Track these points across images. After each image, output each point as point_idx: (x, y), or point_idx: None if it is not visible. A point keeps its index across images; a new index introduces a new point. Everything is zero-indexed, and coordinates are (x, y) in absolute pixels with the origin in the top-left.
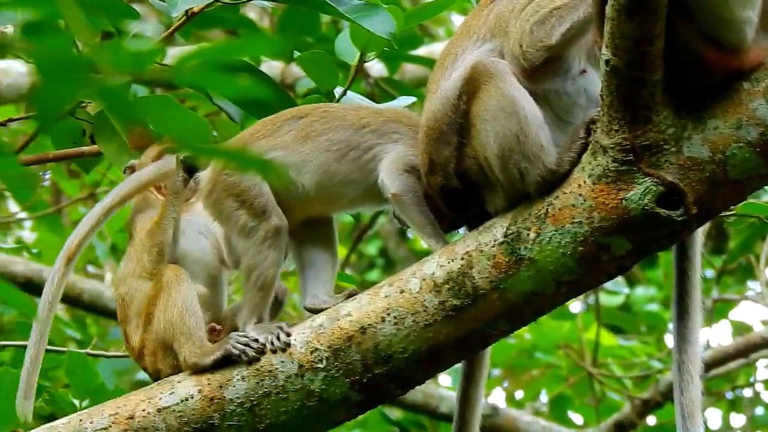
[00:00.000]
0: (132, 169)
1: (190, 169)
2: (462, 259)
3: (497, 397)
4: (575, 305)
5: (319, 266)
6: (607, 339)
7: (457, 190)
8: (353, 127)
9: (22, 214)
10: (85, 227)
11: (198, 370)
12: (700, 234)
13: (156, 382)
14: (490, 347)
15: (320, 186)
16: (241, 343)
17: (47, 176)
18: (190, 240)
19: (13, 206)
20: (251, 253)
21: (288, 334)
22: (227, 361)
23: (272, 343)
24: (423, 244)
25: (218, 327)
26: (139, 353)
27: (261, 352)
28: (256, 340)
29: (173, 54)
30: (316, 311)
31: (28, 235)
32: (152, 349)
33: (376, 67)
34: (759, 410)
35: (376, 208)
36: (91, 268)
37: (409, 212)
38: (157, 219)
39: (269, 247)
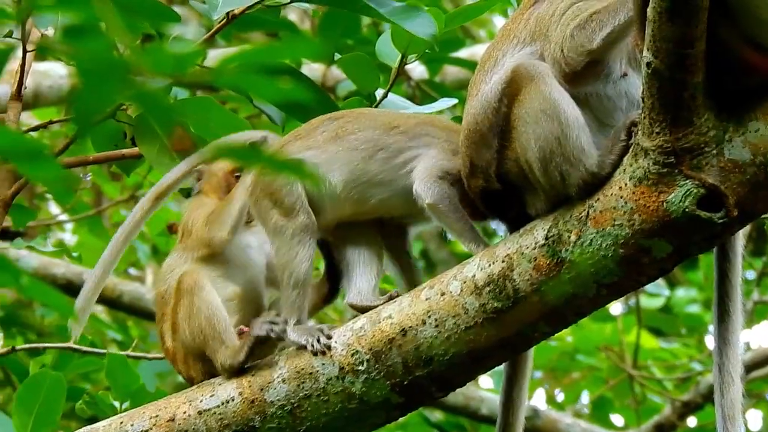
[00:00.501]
0: (200, 173)
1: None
2: (503, 261)
3: (538, 399)
4: (616, 307)
5: (365, 264)
6: (649, 341)
7: (498, 193)
8: (383, 127)
9: (63, 217)
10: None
11: (235, 371)
12: (740, 236)
13: (196, 385)
14: (532, 350)
15: (347, 184)
16: (266, 324)
17: (88, 178)
18: (238, 248)
19: (54, 209)
20: (283, 250)
21: (329, 337)
22: (260, 344)
23: (313, 346)
24: (464, 248)
25: (245, 329)
26: (173, 358)
27: (284, 331)
28: (275, 323)
29: (214, 56)
30: (359, 308)
31: (69, 237)
32: (182, 357)
33: (417, 70)
34: None
35: (409, 214)
36: (132, 271)
37: (447, 220)
38: (226, 200)
39: (298, 244)
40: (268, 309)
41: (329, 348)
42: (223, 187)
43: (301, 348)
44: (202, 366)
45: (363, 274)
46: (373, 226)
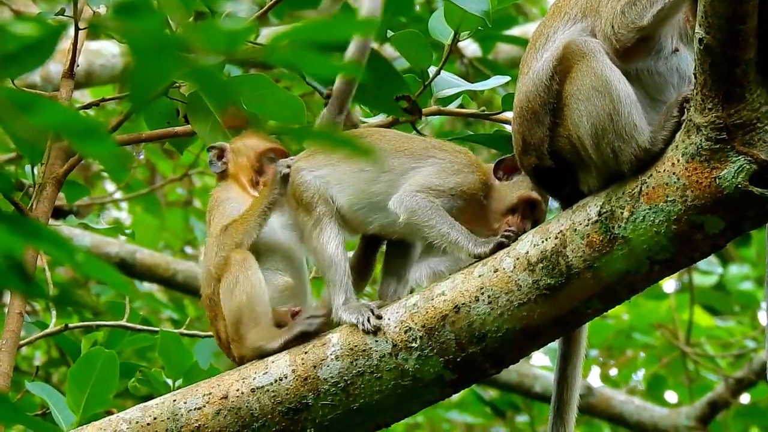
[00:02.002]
0: (220, 151)
1: (286, 182)
2: (555, 238)
3: (593, 378)
4: (669, 285)
5: (392, 268)
6: (704, 319)
7: (551, 170)
8: (392, 149)
9: (118, 195)
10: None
11: (264, 355)
12: None
13: (249, 362)
14: (587, 327)
15: (351, 206)
16: (309, 318)
17: (141, 156)
18: (278, 233)
19: (111, 188)
20: (312, 241)
21: (378, 317)
22: (297, 341)
23: (363, 325)
24: (461, 255)
25: (296, 309)
26: (227, 345)
27: (326, 324)
28: (316, 316)
29: (267, 34)
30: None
31: (125, 217)
32: (231, 336)
33: (470, 47)
34: None
35: (412, 236)
36: (188, 249)
37: (428, 231)
38: (241, 218)
39: (321, 229)
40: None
41: (379, 329)
42: (253, 169)
43: (353, 326)
44: (242, 343)
45: (388, 278)
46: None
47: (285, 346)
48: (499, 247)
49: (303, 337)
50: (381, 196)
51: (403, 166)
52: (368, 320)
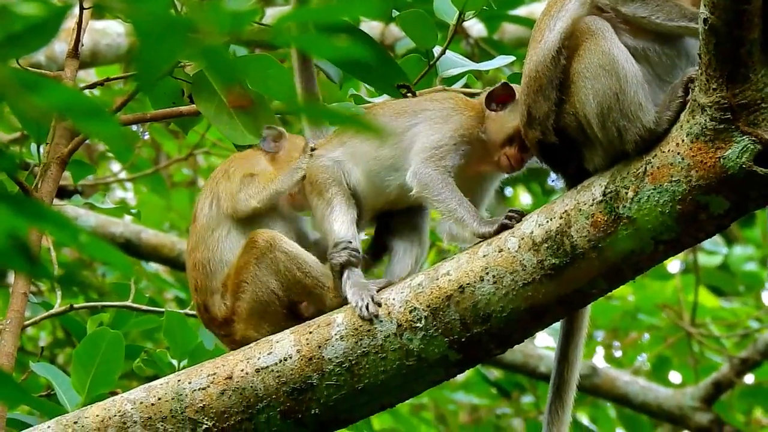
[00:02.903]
0: (279, 135)
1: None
2: (560, 218)
3: (599, 359)
4: (674, 265)
5: (405, 250)
6: (709, 300)
7: (555, 147)
8: (392, 113)
9: (122, 175)
10: None
11: (344, 302)
12: None
13: (254, 342)
14: (589, 307)
15: (367, 175)
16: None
17: (146, 136)
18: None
19: (116, 169)
20: (323, 221)
21: (378, 304)
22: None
23: (361, 310)
24: (464, 234)
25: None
26: (225, 321)
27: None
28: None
29: (272, 14)
30: None
31: (131, 197)
32: (245, 317)
33: (476, 27)
34: None
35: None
36: None
37: (436, 206)
38: (269, 174)
39: (333, 208)
40: None
41: (376, 317)
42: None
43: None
44: (266, 327)
45: (401, 260)
46: (418, 210)
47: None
48: (503, 228)
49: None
50: (392, 159)
51: (404, 125)
52: (366, 307)
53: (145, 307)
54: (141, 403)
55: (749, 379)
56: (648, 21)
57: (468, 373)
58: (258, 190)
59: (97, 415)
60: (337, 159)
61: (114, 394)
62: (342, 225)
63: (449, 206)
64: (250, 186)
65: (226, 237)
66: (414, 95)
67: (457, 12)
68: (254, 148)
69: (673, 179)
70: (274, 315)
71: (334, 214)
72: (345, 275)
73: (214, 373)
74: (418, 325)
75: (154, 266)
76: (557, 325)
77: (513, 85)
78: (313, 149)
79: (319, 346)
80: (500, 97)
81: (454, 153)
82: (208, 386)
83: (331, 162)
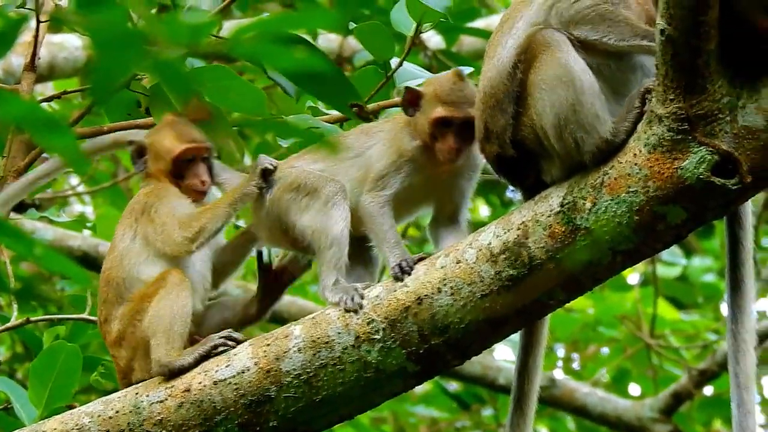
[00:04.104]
0: (139, 148)
1: (267, 178)
2: (518, 229)
3: (559, 372)
4: (634, 278)
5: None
6: (669, 313)
7: (513, 159)
8: (360, 131)
9: (80, 188)
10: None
11: (173, 372)
12: (750, 202)
13: (213, 357)
14: (548, 319)
15: (351, 193)
16: (222, 337)
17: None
18: (202, 258)
19: (75, 181)
20: (316, 219)
21: (362, 296)
22: (207, 358)
23: (345, 303)
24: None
25: (199, 338)
26: (116, 341)
27: (238, 342)
28: (233, 336)
29: (229, 27)
30: None
31: (90, 211)
32: (133, 345)
33: (434, 40)
34: None
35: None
36: None
37: (371, 237)
38: (211, 205)
39: (332, 207)
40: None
41: (361, 307)
42: (170, 172)
43: (335, 306)
44: (148, 363)
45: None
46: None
47: (197, 362)
48: (396, 279)
49: (215, 354)
50: (360, 180)
51: (363, 146)
52: (352, 299)
53: None
54: (99, 416)
55: (708, 390)
56: (600, 43)
57: (428, 386)
58: (195, 232)
59: (55, 429)
60: (323, 172)
61: (72, 407)
62: (341, 231)
63: (379, 240)
64: (187, 229)
65: (145, 261)
66: (365, 114)
67: (415, 24)
68: (149, 179)
69: (631, 190)
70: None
71: (335, 213)
72: (329, 282)
73: (172, 386)
74: (375, 336)
75: None
76: (516, 338)
77: (414, 87)
78: (269, 170)
79: (277, 359)
80: (410, 102)
81: (396, 177)
82: (166, 399)
83: (316, 170)
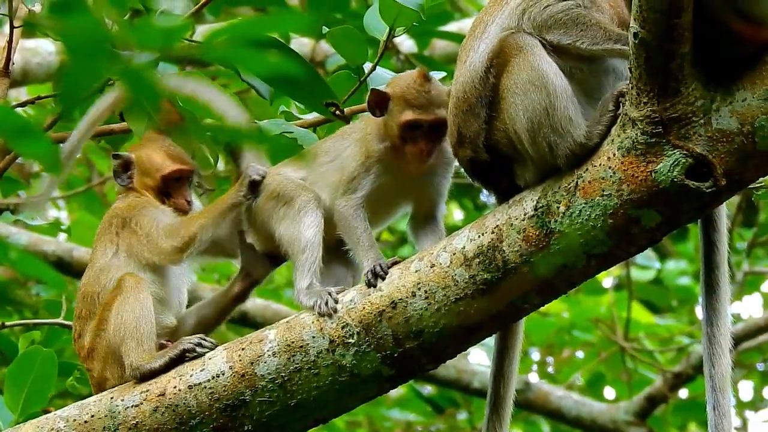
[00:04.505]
0: (125, 163)
1: (255, 189)
2: (492, 232)
3: (534, 376)
4: (609, 281)
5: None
6: (644, 316)
7: (487, 164)
8: (340, 134)
9: (55, 193)
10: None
11: (145, 376)
12: (724, 205)
13: (187, 360)
14: (523, 323)
15: (332, 200)
16: (192, 342)
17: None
18: (177, 273)
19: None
20: (290, 227)
21: (336, 300)
22: (179, 361)
23: (320, 308)
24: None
25: (168, 342)
26: (88, 354)
27: (212, 349)
28: (205, 340)
29: (202, 31)
30: None
31: (65, 216)
32: (102, 355)
33: (406, 44)
34: None
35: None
36: None
37: (345, 240)
38: (199, 214)
39: (304, 214)
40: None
41: (335, 311)
42: (158, 189)
43: (309, 310)
44: (120, 370)
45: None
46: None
47: (168, 365)
48: (368, 285)
49: (185, 358)
50: (339, 182)
51: (340, 148)
52: (326, 303)
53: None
54: (74, 420)
55: (683, 393)
56: (573, 47)
57: (403, 389)
58: (185, 241)
59: None
60: (305, 180)
61: (47, 412)
62: (314, 236)
63: (353, 243)
64: (175, 238)
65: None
66: (342, 113)
67: (388, 28)
68: (128, 193)
69: (605, 193)
70: (120, 358)
71: (306, 219)
72: (303, 285)
73: (147, 390)
74: (350, 340)
75: None
76: (491, 342)
77: (379, 89)
78: (256, 182)
79: (252, 363)
80: (376, 104)
81: (366, 178)
82: (141, 403)
83: (298, 180)
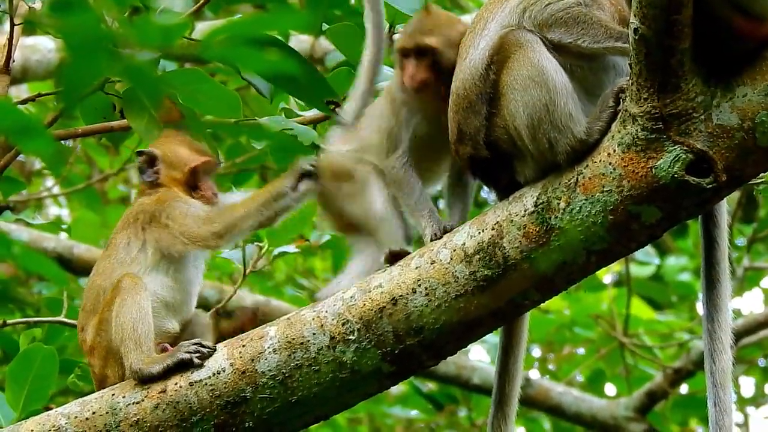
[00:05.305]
0: (150, 158)
1: (303, 179)
2: (492, 229)
3: (534, 372)
4: (607, 277)
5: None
6: (645, 312)
7: (487, 160)
8: (384, 92)
9: (55, 190)
10: None
11: (144, 379)
12: (725, 201)
13: (183, 372)
14: (528, 320)
15: (377, 157)
16: (190, 351)
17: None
18: (192, 270)
19: (50, 183)
20: (358, 204)
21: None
22: (179, 368)
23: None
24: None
25: (168, 346)
26: (90, 351)
27: (210, 355)
28: (203, 345)
29: (202, 29)
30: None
31: (66, 213)
32: (103, 354)
33: None
34: None
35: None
36: None
37: (401, 203)
38: (240, 204)
39: (367, 187)
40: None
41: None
42: (185, 182)
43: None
44: (119, 369)
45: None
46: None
47: (166, 372)
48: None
49: (185, 366)
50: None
51: (380, 109)
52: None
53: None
54: (75, 417)
55: (684, 389)
56: (575, 45)
57: (404, 386)
58: (224, 227)
59: (32, 430)
60: (355, 152)
61: (49, 409)
62: (383, 205)
63: (410, 209)
64: (212, 224)
65: (148, 271)
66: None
67: (387, 25)
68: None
69: (605, 189)
70: (120, 358)
71: (370, 191)
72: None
73: (148, 387)
74: (350, 337)
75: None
76: (491, 338)
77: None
78: (308, 172)
79: (252, 360)
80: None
81: (401, 129)
82: (142, 400)
83: (349, 152)
